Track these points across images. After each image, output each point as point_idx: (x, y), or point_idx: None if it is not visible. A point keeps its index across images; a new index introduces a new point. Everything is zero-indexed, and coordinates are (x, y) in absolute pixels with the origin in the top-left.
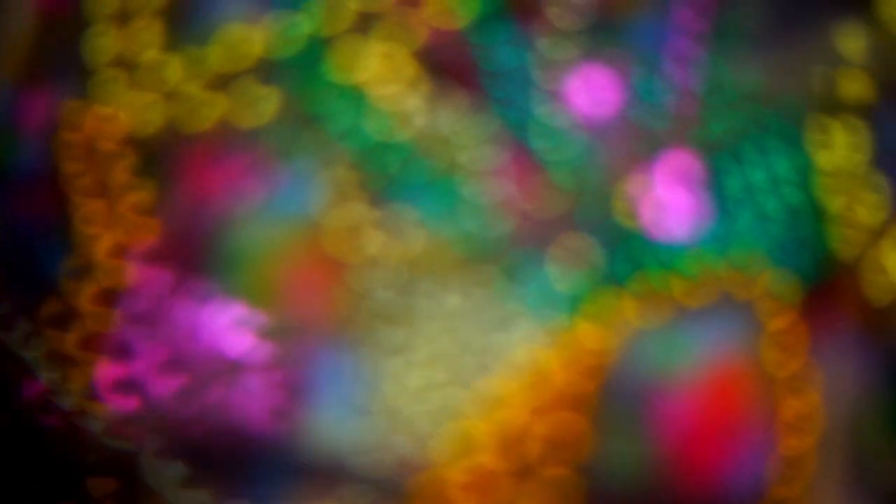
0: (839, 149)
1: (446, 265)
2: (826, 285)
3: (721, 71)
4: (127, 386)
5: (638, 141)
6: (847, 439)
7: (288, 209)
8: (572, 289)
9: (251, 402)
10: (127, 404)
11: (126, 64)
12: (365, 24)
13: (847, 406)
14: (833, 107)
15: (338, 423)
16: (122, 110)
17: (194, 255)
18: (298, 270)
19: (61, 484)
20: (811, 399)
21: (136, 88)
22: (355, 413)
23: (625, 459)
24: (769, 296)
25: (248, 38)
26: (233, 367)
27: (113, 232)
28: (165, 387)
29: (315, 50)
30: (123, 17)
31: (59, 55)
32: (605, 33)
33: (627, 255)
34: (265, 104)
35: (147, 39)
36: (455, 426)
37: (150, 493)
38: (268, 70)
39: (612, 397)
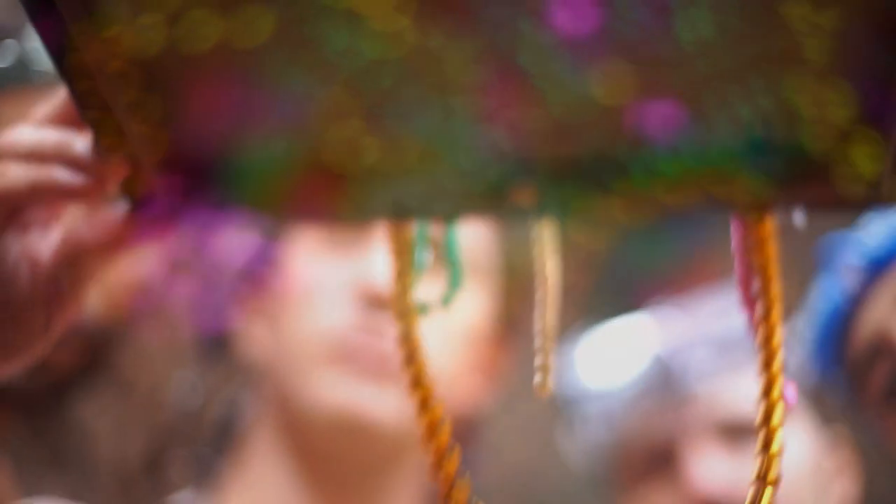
0: (810, 55)
1: (438, 174)
2: (799, 181)
3: None
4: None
5: (619, 55)
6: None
7: (287, 123)
8: (560, 191)
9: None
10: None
11: None
12: None
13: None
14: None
15: None
16: (125, 33)
17: (201, 167)
18: (299, 180)
19: None
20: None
21: (138, 12)
22: None
23: None
24: (746, 193)
25: None
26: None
27: (124, 145)
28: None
29: None
30: None
31: None
32: None
33: (612, 159)
34: (262, 26)
35: None
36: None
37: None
38: None
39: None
